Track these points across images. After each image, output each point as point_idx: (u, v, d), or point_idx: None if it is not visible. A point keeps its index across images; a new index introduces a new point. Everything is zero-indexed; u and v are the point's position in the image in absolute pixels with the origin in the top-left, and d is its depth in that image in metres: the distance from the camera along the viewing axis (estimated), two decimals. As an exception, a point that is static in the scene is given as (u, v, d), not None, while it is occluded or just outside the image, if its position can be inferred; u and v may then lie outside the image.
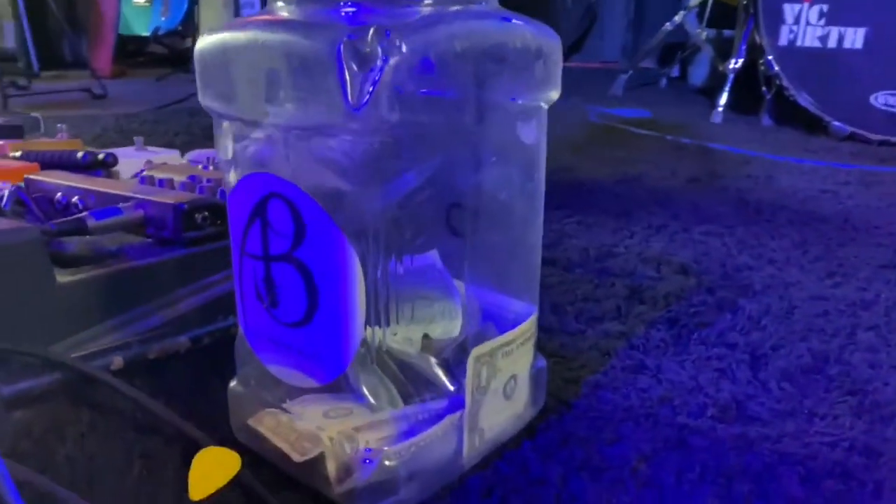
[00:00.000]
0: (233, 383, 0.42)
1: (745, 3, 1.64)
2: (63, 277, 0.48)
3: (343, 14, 0.31)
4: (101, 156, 0.69)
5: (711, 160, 1.23)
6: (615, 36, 3.14)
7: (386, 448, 0.37)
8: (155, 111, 1.68)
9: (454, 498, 0.39)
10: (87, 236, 0.56)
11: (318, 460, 0.38)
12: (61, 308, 0.47)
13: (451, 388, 0.40)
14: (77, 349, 0.47)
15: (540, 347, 0.55)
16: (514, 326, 0.43)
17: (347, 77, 0.29)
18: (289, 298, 0.35)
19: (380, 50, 0.29)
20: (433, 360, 0.41)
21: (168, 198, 0.56)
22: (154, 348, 0.47)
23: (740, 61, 1.62)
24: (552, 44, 0.38)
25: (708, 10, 2.15)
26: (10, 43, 2.15)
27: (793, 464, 0.42)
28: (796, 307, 0.63)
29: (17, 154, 0.73)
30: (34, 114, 0.96)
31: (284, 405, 0.40)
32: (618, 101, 1.93)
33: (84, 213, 0.55)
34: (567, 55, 3.00)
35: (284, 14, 0.33)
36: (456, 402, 0.40)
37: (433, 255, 0.44)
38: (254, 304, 0.37)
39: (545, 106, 0.41)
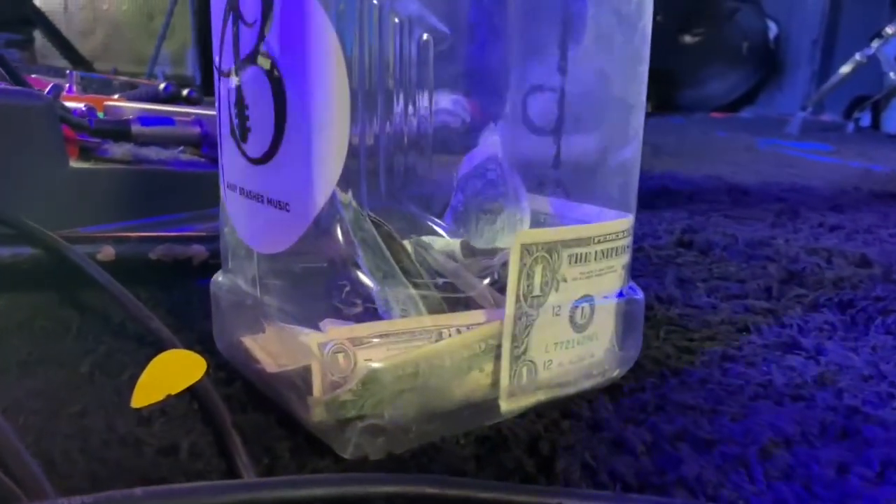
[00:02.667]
0: (215, 276, 0.33)
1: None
2: (78, 164, 0.42)
3: None
4: (184, 92, 0.64)
5: (909, 182, 1.01)
6: (796, 87, 2.88)
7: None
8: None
9: (478, 446, 0.26)
10: (136, 145, 0.50)
11: (297, 376, 0.28)
12: (72, 194, 0.40)
13: (489, 288, 0.28)
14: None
15: (650, 316, 0.41)
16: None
17: None
18: (258, 121, 0.25)
19: None
20: (474, 261, 0.30)
21: (225, 112, 0.49)
22: (157, 249, 0.39)
23: (950, 85, 1.37)
24: None
25: (909, 48, 1.89)
26: (191, 71, 2.31)
27: None
28: None
29: (116, 96, 0.71)
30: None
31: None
32: (793, 139, 1.71)
33: (130, 118, 0.49)
34: (738, 105, 2.78)
35: None
36: (496, 317, 0.28)
37: (494, 144, 0.33)
38: (229, 145, 0.28)
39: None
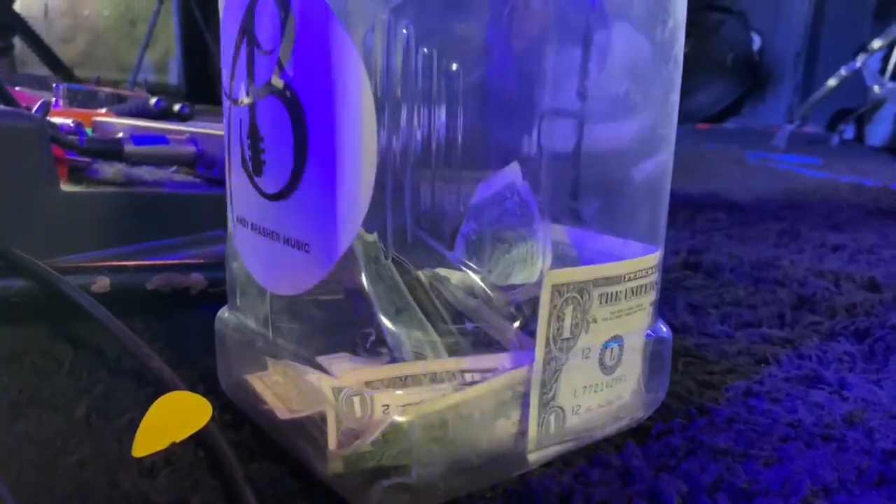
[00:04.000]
0: (220, 312, 0.31)
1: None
2: (69, 187, 0.40)
3: None
4: (176, 107, 0.62)
5: (902, 199, 1.02)
6: (779, 99, 2.90)
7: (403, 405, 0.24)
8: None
9: (507, 501, 0.25)
10: (127, 165, 0.48)
11: (310, 423, 0.26)
12: (63, 220, 0.39)
13: (514, 329, 0.26)
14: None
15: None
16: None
17: None
18: (274, 154, 0.24)
19: None
20: (497, 296, 0.28)
21: (222, 131, 0.48)
22: (154, 279, 0.37)
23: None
24: None
25: (893, 62, 1.91)
26: (174, 79, 2.28)
27: None
28: None
29: (103, 110, 0.68)
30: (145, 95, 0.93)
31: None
32: (780, 152, 1.72)
33: (122, 136, 0.47)
34: (723, 117, 2.79)
35: None
36: (523, 361, 0.26)
37: (514, 170, 0.31)
38: (240, 178, 0.26)
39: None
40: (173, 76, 2.26)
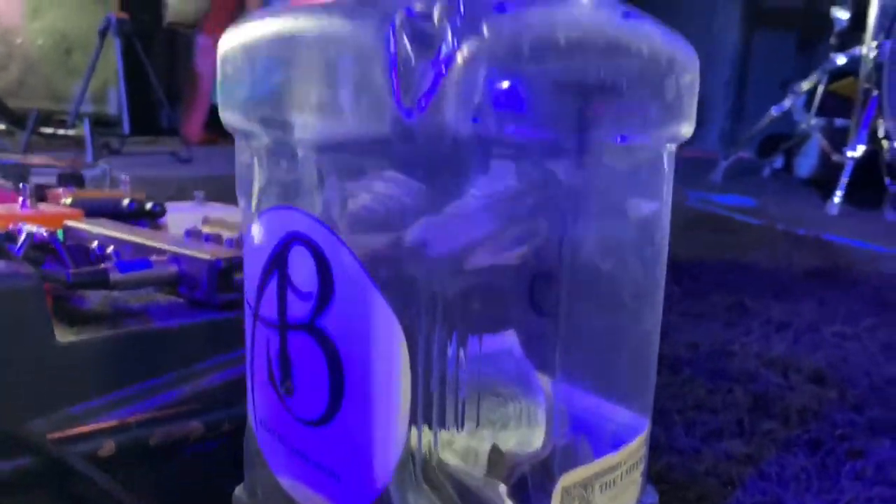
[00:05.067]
0: (237, 490, 0.32)
1: (866, 87, 1.51)
2: (65, 337, 0.40)
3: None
4: (147, 205, 0.62)
5: (833, 253, 1.08)
6: (713, 124, 3.03)
7: None
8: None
9: None
10: (112, 291, 0.48)
11: None
12: (60, 374, 0.39)
13: (527, 527, 0.28)
14: (72, 425, 0.38)
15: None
16: (614, 440, 0.31)
17: (400, 66, 0.20)
18: (307, 385, 0.25)
19: (449, 30, 0.20)
20: (503, 486, 0.30)
21: (205, 253, 0.48)
22: (156, 433, 0.38)
23: (860, 148, 1.47)
24: (688, 57, 0.28)
25: (817, 98, 2.02)
26: (113, 109, 2.23)
27: None
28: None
29: (69, 201, 0.68)
30: (103, 164, 0.92)
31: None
32: (718, 189, 1.80)
33: (108, 265, 0.47)
34: (660, 142, 2.88)
35: None
36: (532, 548, 0.28)
37: (510, 338, 0.34)
38: (266, 389, 0.28)
39: (671, 148, 0.31)
40: (112, 106, 2.21)
